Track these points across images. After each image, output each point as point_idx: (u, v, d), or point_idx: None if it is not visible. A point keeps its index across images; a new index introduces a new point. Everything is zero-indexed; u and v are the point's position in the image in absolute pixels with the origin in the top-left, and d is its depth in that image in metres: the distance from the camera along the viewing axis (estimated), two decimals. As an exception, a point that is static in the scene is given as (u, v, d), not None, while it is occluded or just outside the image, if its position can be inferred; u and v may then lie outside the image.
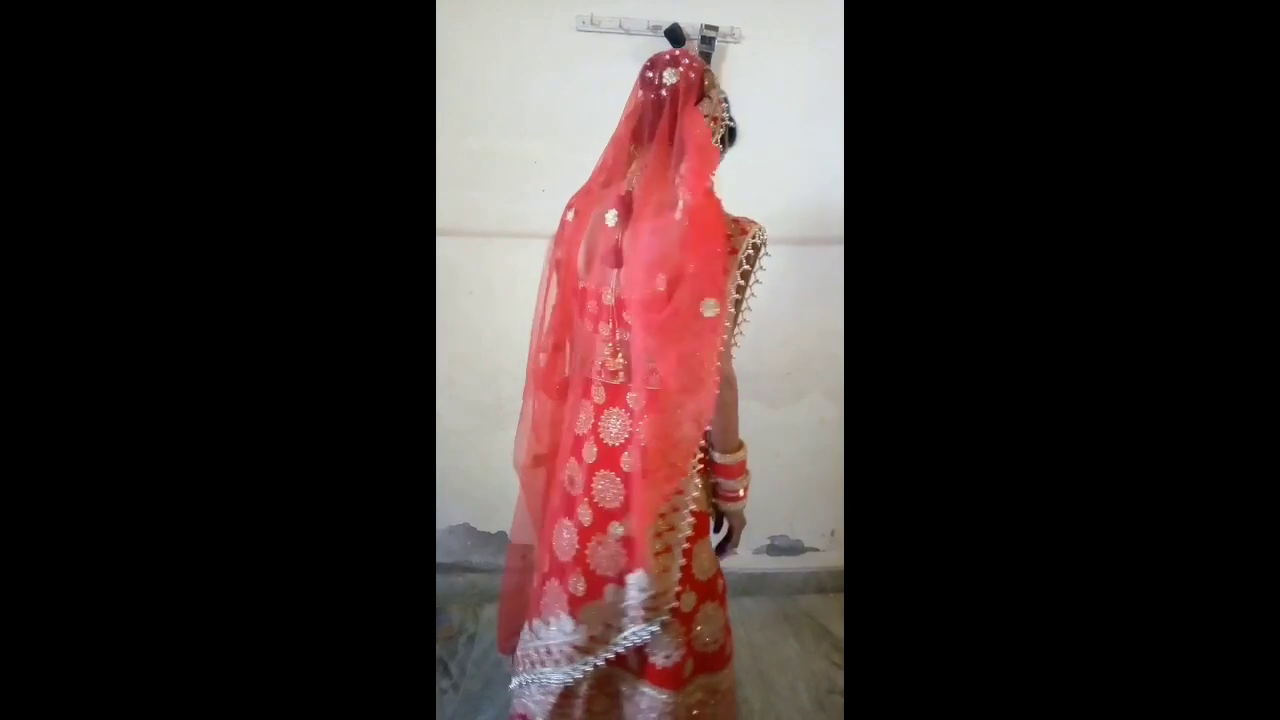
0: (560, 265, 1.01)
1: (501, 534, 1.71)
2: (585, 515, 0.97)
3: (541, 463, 1.12)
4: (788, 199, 1.49)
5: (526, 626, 1.10)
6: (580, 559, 0.98)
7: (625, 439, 0.94)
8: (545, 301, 1.05)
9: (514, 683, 1.09)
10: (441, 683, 1.49)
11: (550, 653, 1.03)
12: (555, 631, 1.02)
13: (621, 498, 0.94)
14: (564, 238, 1.01)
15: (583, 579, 0.98)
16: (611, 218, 0.93)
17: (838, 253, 1.56)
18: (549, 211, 1.61)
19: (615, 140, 0.96)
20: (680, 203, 0.88)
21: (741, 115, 1.42)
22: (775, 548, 1.79)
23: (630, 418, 0.93)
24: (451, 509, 1.69)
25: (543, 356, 1.05)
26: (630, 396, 0.94)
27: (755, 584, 1.75)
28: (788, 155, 1.46)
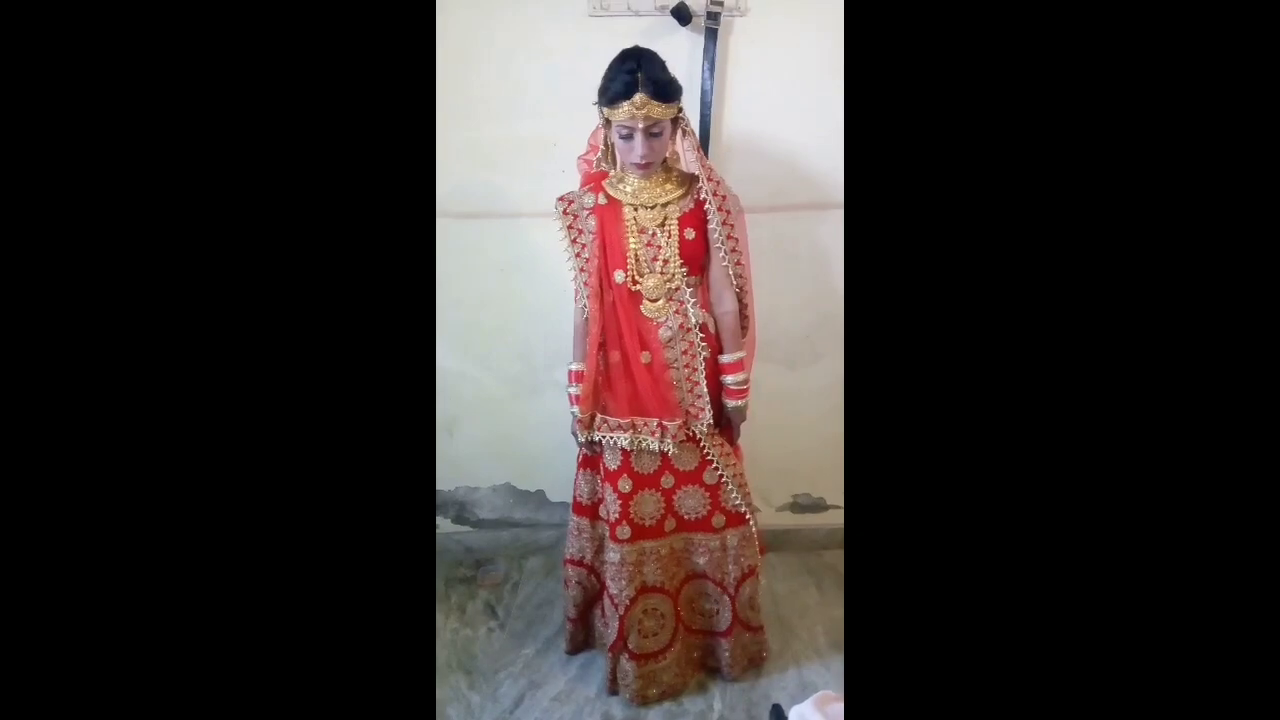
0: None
1: (540, 492, 1.86)
2: None
3: None
4: (799, 166, 1.53)
5: None
6: None
7: None
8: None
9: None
10: (490, 623, 1.65)
11: None
12: None
13: None
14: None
15: None
16: None
17: (851, 217, 1.59)
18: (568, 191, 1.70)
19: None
20: None
21: (749, 87, 1.47)
22: (798, 505, 1.86)
23: None
24: (494, 470, 1.84)
25: None
26: None
27: (779, 540, 1.83)
28: (797, 123, 1.49)
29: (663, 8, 1.38)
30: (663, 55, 1.14)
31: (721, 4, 1.36)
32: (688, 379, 1.26)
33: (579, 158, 1.32)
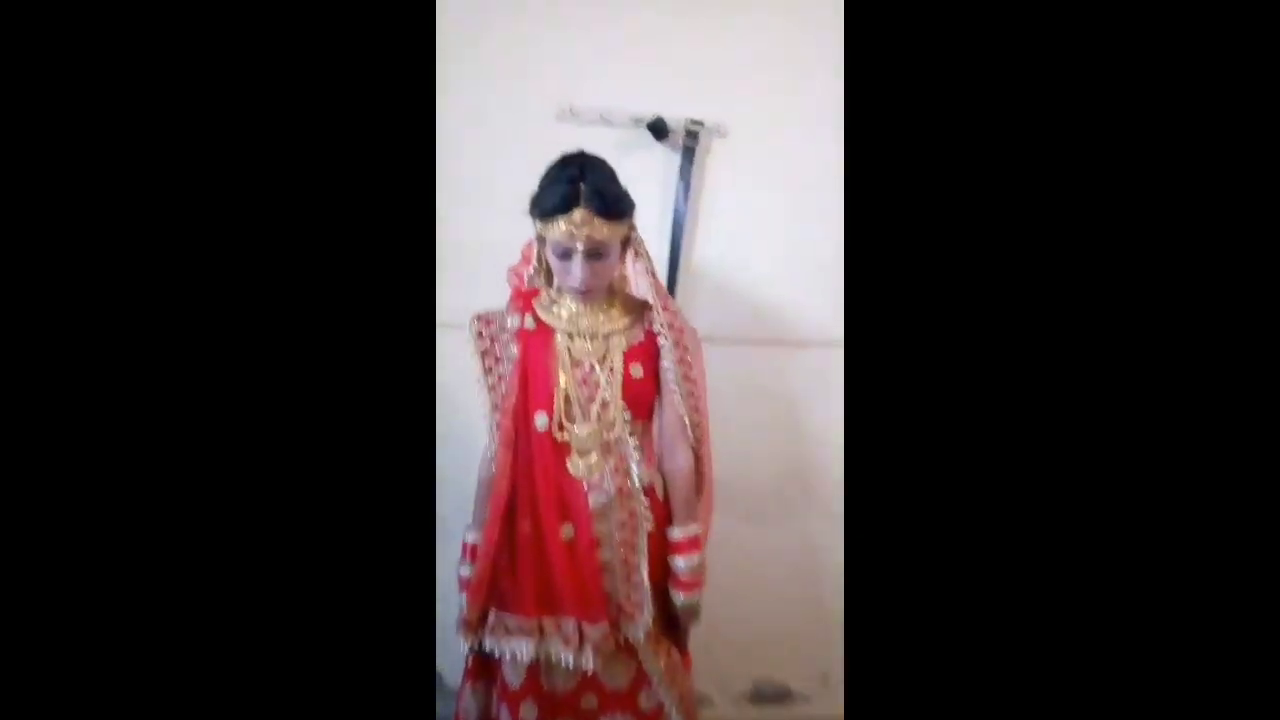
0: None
1: (437, 675, 1.44)
2: None
3: None
4: (776, 297, 1.41)
5: None
6: None
7: None
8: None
9: None
10: None
11: None
12: None
13: None
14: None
15: None
16: None
17: (833, 355, 1.45)
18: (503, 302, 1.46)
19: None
20: None
21: (724, 212, 1.36)
22: (759, 694, 1.54)
23: None
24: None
25: None
26: None
27: (736, 741, 1.49)
28: (774, 253, 1.38)
29: (638, 120, 1.27)
30: (634, 171, 0.98)
31: (701, 123, 1.27)
32: (623, 561, 0.94)
33: (510, 268, 1.10)
